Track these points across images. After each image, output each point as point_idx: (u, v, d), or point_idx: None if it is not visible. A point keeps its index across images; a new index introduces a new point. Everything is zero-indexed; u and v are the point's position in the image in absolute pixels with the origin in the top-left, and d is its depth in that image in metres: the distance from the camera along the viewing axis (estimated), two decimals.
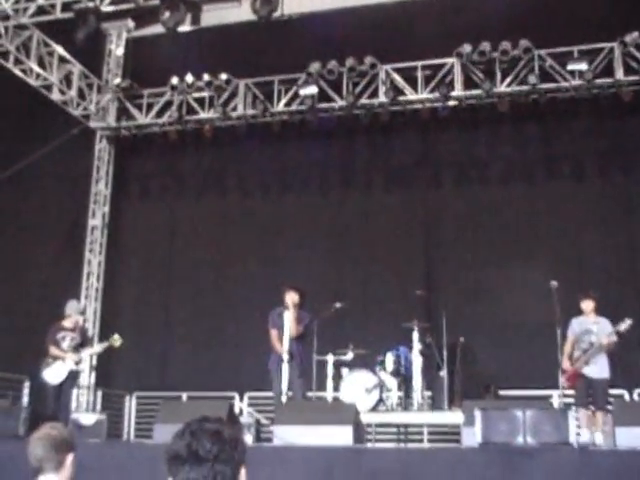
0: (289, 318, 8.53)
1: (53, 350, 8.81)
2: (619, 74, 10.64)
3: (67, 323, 9.03)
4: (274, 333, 8.69)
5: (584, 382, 8.22)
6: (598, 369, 8.19)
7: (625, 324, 8.03)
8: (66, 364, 8.76)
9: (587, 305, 8.39)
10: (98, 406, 11.95)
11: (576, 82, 10.80)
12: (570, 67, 10.71)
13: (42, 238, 12.67)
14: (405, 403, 9.14)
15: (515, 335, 10.41)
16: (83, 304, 12.12)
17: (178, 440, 1.98)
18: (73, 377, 9.01)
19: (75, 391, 10.81)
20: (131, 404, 11.79)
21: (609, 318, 8.26)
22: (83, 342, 9.10)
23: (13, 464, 5.85)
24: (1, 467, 6.36)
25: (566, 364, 8.28)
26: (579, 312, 8.40)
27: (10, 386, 10.56)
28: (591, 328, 8.28)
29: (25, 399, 10.88)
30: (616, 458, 5.83)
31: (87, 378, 12.08)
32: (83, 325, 10.37)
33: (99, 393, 12.10)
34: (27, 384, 10.93)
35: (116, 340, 9.01)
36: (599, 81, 10.73)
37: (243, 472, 2.01)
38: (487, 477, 5.63)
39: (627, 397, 9.84)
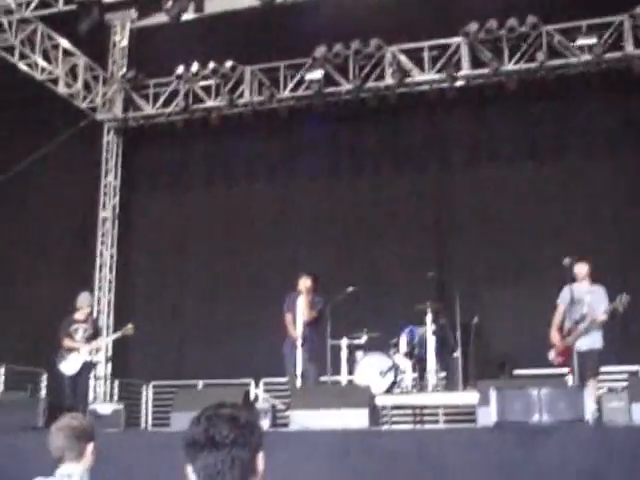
0: (301, 303, 8.58)
1: (67, 342, 8.91)
2: (629, 48, 10.49)
3: (79, 315, 9.14)
4: (288, 317, 8.75)
5: (579, 359, 7.27)
6: (590, 340, 7.52)
7: (622, 304, 7.29)
8: (80, 355, 8.86)
9: (581, 269, 7.66)
10: (115, 396, 12.05)
11: (585, 57, 10.64)
12: (579, 42, 10.54)
13: (54, 232, 12.73)
14: (420, 385, 9.14)
15: (528, 314, 10.37)
16: (96, 296, 12.20)
17: (195, 426, 1.98)
18: (88, 368, 9.13)
19: (92, 382, 10.93)
20: (148, 393, 11.86)
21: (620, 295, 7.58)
22: (95, 333, 9.20)
23: (34, 454, 5.92)
24: (22, 457, 6.44)
25: (555, 337, 7.66)
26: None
27: (29, 379, 10.69)
28: (584, 298, 7.56)
29: (43, 391, 11.00)
30: (632, 434, 5.83)
31: (104, 369, 12.18)
32: (97, 317, 10.46)
33: (116, 383, 12.19)
34: (45, 377, 11.05)
35: (129, 329, 9.18)
36: (608, 55, 10.55)
37: (260, 456, 2.01)
38: (503, 456, 5.65)
39: None
